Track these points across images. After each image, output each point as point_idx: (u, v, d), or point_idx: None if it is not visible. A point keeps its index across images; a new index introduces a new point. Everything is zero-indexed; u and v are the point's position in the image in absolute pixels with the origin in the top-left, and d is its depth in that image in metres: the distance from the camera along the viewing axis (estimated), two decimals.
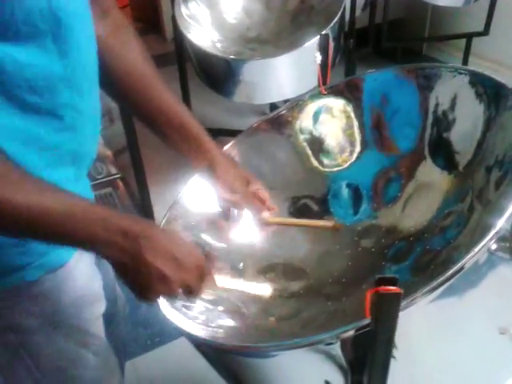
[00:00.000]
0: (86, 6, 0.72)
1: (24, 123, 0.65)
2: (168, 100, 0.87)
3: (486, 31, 2.68)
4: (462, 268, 0.53)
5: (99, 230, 0.63)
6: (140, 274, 0.66)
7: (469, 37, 2.76)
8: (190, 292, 0.72)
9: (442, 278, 0.52)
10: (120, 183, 2.16)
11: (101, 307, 0.89)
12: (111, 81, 0.84)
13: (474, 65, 2.90)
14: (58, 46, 0.65)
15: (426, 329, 0.67)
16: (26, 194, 0.60)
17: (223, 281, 0.85)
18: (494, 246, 0.61)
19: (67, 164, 0.74)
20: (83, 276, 0.82)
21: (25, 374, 0.83)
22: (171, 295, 0.72)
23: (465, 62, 2.79)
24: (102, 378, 0.91)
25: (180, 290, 0.71)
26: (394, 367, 0.66)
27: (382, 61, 2.89)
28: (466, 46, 2.77)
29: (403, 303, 0.51)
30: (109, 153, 2.05)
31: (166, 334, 1.81)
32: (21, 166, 0.61)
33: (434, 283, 0.52)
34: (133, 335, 1.77)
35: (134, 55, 0.85)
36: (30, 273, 0.73)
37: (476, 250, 0.54)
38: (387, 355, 0.51)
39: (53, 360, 0.83)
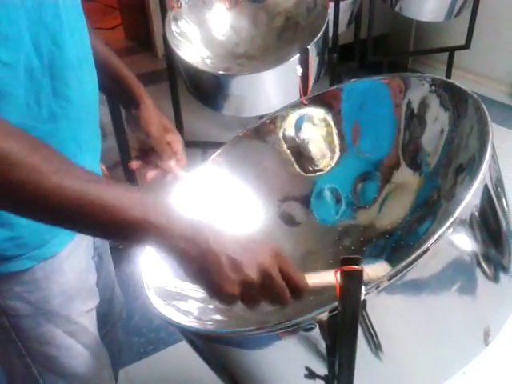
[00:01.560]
0: (64, 3, 0.73)
1: (16, 115, 0.68)
2: (109, 57, 0.96)
3: (467, 45, 2.77)
4: (424, 252, 0.59)
5: (154, 215, 0.57)
6: (208, 263, 0.59)
7: (451, 50, 2.85)
8: (276, 286, 0.61)
9: (405, 262, 0.58)
10: None
11: (93, 302, 0.92)
12: None
13: (457, 77, 3.00)
14: (32, 38, 0.67)
15: (407, 329, 0.71)
16: (69, 179, 0.56)
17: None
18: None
19: (77, 153, 0.78)
20: (75, 269, 0.86)
21: (16, 358, 0.86)
22: (251, 287, 0.60)
23: (448, 74, 2.88)
24: (92, 370, 0.94)
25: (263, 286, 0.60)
26: (381, 368, 0.71)
27: (368, 75, 2.99)
28: (449, 59, 2.86)
29: (373, 284, 0.58)
30: (102, 167, 2.10)
31: (159, 341, 1.84)
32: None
33: (400, 266, 0.58)
34: (126, 343, 1.81)
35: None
36: (23, 262, 0.77)
37: (435, 236, 0.59)
38: (353, 334, 0.56)
39: (42, 346, 0.86)
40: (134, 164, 1.01)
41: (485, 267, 0.72)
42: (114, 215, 0.57)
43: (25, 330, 0.84)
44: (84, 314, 0.90)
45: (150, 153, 0.98)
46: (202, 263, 0.59)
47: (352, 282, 0.51)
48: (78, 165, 0.63)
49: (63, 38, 0.73)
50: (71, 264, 0.85)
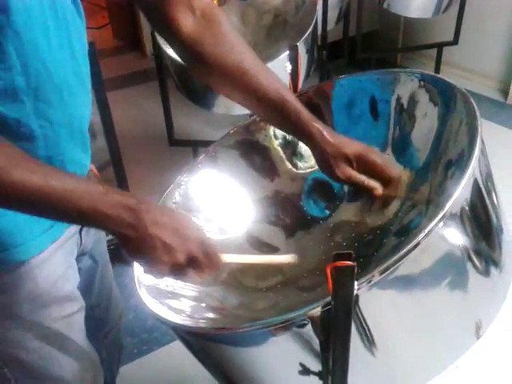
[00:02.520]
0: (55, 22, 0.73)
1: None
2: (271, 86, 0.86)
3: (455, 41, 2.80)
4: (415, 246, 0.59)
5: (101, 204, 0.65)
6: (145, 246, 0.68)
7: (439, 46, 2.88)
8: (198, 265, 0.71)
9: (397, 256, 0.58)
10: None
11: (72, 307, 0.90)
12: (208, 72, 0.86)
13: (446, 73, 3.01)
14: (20, 58, 0.67)
15: (400, 324, 0.72)
16: (28, 174, 0.63)
17: (230, 257, 0.80)
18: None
19: None
20: (49, 276, 0.84)
21: None
22: (178, 267, 0.71)
23: (437, 70, 2.90)
24: (71, 373, 0.92)
25: (188, 266, 0.71)
26: (374, 363, 0.72)
27: (358, 71, 3.00)
28: (437, 55, 2.88)
29: (365, 279, 0.58)
30: (92, 167, 2.08)
31: (153, 342, 1.84)
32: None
33: (391, 260, 0.58)
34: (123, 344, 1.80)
35: (226, 48, 0.85)
36: None
37: (426, 230, 0.60)
38: (347, 329, 0.56)
39: (12, 349, 0.86)
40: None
41: (476, 261, 0.73)
42: (67, 206, 0.65)
43: None
44: (60, 320, 0.88)
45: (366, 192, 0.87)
46: (140, 245, 0.68)
47: (344, 277, 0.51)
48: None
49: (52, 60, 0.72)
50: (44, 271, 0.83)
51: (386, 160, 0.85)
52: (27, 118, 0.71)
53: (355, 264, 0.51)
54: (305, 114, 0.84)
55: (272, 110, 0.85)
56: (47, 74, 0.72)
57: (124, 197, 0.68)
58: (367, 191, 0.85)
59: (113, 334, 1.17)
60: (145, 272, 0.72)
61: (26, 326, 0.84)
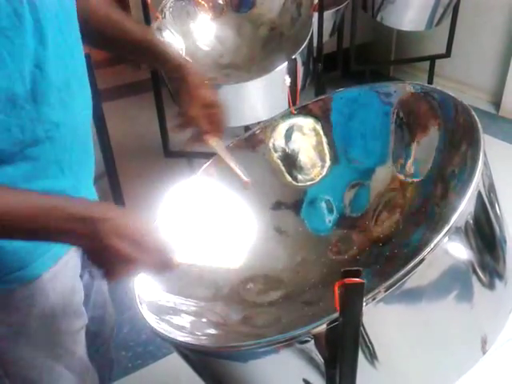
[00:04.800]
0: (55, 26, 0.72)
1: None
2: (138, 31, 0.97)
3: (447, 53, 2.82)
4: (421, 261, 0.59)
5: (54, 221, 0.64)
6: (102, 256, 0.67)
7: (432, 59, 2.90)
8: (155, 273, 0.74)
9: (402, 272, 0.58)
10: None
11: (79, 322, 0.90)
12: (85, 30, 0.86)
13: (438, 85, 3.00)
14: (16, 64, 0.66)
15: (403, 339, 0.71)
16: None
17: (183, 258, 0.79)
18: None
19: (58, 175, 0.77)
20: (58, 291, 0.84)
21: None
22: (134, 274, 0.73)
23: (429, 82, 2.92)
24: None
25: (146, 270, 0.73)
26: (376, 377, 0.71)
27: (352, 83, 3.01)
28: (430, 67, 2.91)
29: (370, 295, 0.57)
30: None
31: (148, 356, 1.81)
32: None
33: (397, 276, 0.58)
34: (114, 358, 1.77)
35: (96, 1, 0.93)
36: (1, 286, 0.76)
37: (432, 245, 0.59)
38: (355, 347, 0.56)
39: (22, 370, 0.85)
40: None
41: (480, 274, 0.72)
42: (26, 228, 0.65)
43: (4, 353, 0.82)
44: (69, 336, 0.88)
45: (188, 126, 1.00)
46: (97, 255, 0.68)
47: (353, 294, 0.51)
48: (59, 187, 0.72)
49: (47, 61, 0.71)
50: (54, 286, 0.83)
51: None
52: (30, 123, 0.71)
53: (364, 281, 0.51)
54: (172, 49, 0.97)
55: (141, 50, 0.96)
56: (42, 77, 0.71)
57: (79, 208, 0.66)
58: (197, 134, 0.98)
59: (104, 348, 1.15)
60: (104, 277, 0.72)
61: (38, 344, 0.84)
